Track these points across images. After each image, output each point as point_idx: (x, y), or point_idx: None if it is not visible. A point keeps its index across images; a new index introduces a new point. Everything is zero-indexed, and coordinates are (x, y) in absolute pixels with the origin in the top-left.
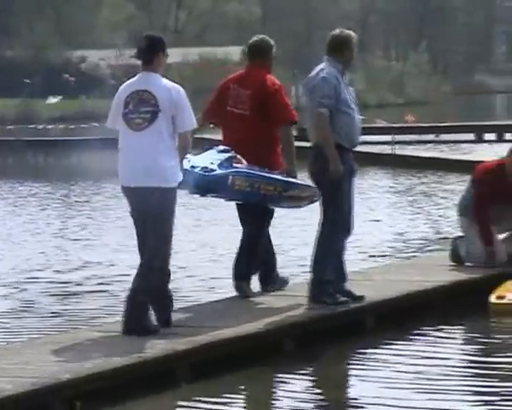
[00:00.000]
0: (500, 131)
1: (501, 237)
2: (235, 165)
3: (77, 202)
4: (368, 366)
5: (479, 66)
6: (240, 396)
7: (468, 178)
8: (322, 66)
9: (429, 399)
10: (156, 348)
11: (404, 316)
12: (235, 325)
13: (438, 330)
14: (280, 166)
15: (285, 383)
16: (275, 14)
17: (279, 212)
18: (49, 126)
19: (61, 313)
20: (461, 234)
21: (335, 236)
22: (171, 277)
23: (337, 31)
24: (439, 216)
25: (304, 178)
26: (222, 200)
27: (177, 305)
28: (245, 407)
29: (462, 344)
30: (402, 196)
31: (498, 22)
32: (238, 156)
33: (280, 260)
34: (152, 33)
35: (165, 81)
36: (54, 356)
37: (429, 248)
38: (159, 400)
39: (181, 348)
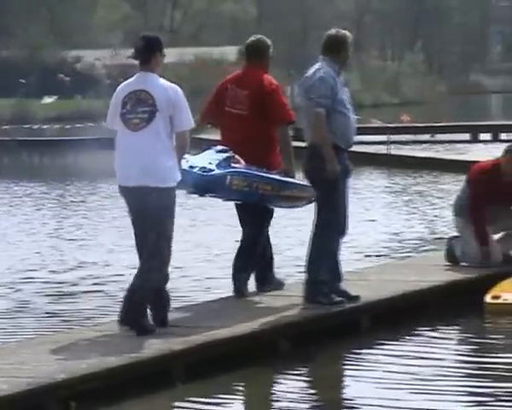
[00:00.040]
0: (495, 131)
1: (496, 237)
2: (233, 165)
3: (72, 202)
4: (363, 366)
5: (474, 66)
6: (235, 396)
7: (463, 178)
8: (318, 65)
9: (424, 399)
10: (152, 348)
11: (400, 316)
12: (230, 325)
13: (433, 330)
14: (278, 166)
15: (280, 383)
16: (270, 14)
17: (278, 212)
18: (45, 126)
19: (56, 313)
20: (456, 234)
21: (330, 236)
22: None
23: (333, 31)
24: (435, 216)
25: (301, 178)
26: (218, 200)
27: (172, 305)
28: (240, 408)
29: (456, 344)
30: (397, 196)
31: (494, 22)
32: (236, 156)
33: (276, 259)
34: (149, 33)
35: (162, 81)
36: (49, 356)
37: (425, 248)
38: (154, 400)
39: (177, 348)
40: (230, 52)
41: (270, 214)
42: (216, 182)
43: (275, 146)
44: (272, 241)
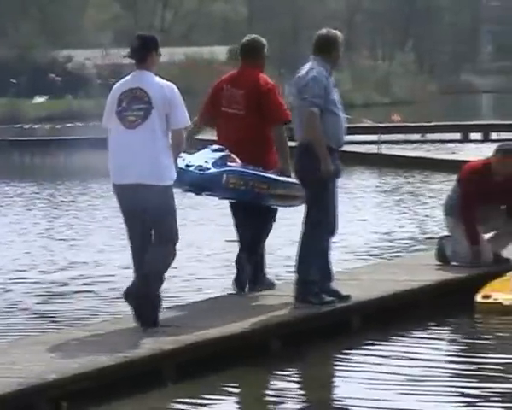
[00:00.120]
0: (486, 130)
1: (487, 236)
2: (229, 164)
3: (63, 201)
4: (353, 366)
5: (465, 65)
6: (226, 396)
7: (454, 177)
8: (310, 65)
9: (414, 400)
10: (143, 347)
11: (391, 316)
12: (221, 325)
13: (423, 330)
14: (275, 166)
15: (271, 382)
16: (261, 14)
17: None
18: (36, 126)
19: (46, 313)
20: (447, 234)
21: (319, 236)
22: None
23: (324, 30)
24: (426, 216)
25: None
26: (212, 199)
27: (163, 305)
28: (231, 407)
29: (447, 345)
30: (388, 195)
31: (484, 22)
32: (232, 155)
33: (266, 259)
34: (144, 33)
35: (158, 79)
36: (40, 356)
37: (415, 247)
38: (145, 400)
39: (167, 347)
40: (221, 52)
41: (272, 214)
42: (212, 180)
43: (271, 145)
44: None
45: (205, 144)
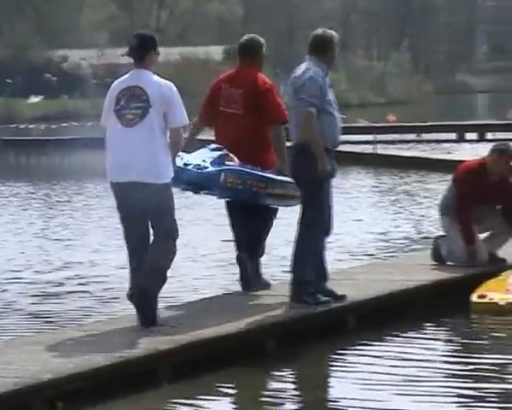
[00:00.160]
0: (481, 130)
1: (482, 236)
2: (227, 163)
3: (58, 201)
4: (349, 366)
5: (460, 65)
6: (221, 396)
7: (449, 177)
8: (307, 65)
9: (410, 401)
10: (138, 347)
11: (386, 316)
12: (216, 325)
13: (418, 330)
14: (273, 165)
15: (266, 382)
16: (256, 14)
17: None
18: (31, 126)
19: (42, 313)
20: (442, 233)
21: (314, 235)
22: None
23: (319, 30)
24: (421, 216)
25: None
26: (207, 199)
27: (159, 305)
28: (227, 407)
29: (442, 345)
30: (384, 195)
31: (480, 22)
32: (230, 155)
33: (262, 259)
34: (143, 32)
35: (156, 78)
36: (36, 356)
37: (411, 247)
38: (140, 400)
39: (163, 347)
40: (216, 52)
41: (271, 213)
42: (210, 179)
43: (269, 145)
44: None
45: (203, 144)
